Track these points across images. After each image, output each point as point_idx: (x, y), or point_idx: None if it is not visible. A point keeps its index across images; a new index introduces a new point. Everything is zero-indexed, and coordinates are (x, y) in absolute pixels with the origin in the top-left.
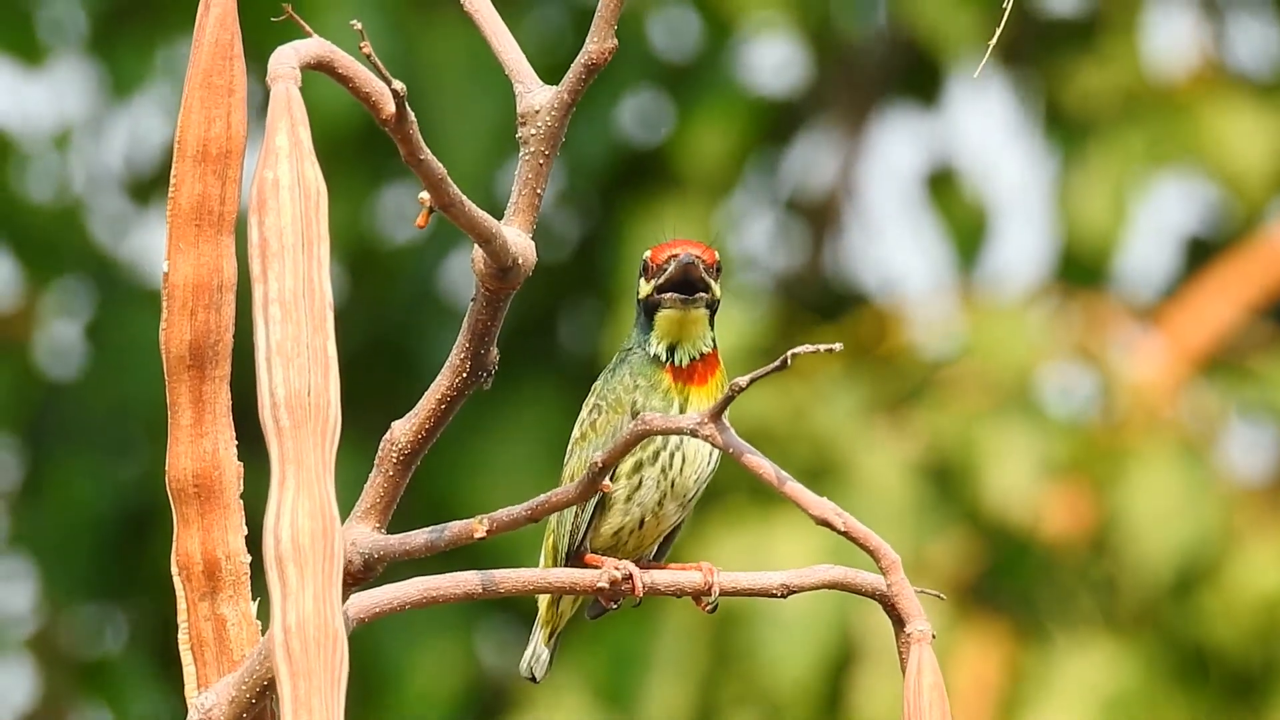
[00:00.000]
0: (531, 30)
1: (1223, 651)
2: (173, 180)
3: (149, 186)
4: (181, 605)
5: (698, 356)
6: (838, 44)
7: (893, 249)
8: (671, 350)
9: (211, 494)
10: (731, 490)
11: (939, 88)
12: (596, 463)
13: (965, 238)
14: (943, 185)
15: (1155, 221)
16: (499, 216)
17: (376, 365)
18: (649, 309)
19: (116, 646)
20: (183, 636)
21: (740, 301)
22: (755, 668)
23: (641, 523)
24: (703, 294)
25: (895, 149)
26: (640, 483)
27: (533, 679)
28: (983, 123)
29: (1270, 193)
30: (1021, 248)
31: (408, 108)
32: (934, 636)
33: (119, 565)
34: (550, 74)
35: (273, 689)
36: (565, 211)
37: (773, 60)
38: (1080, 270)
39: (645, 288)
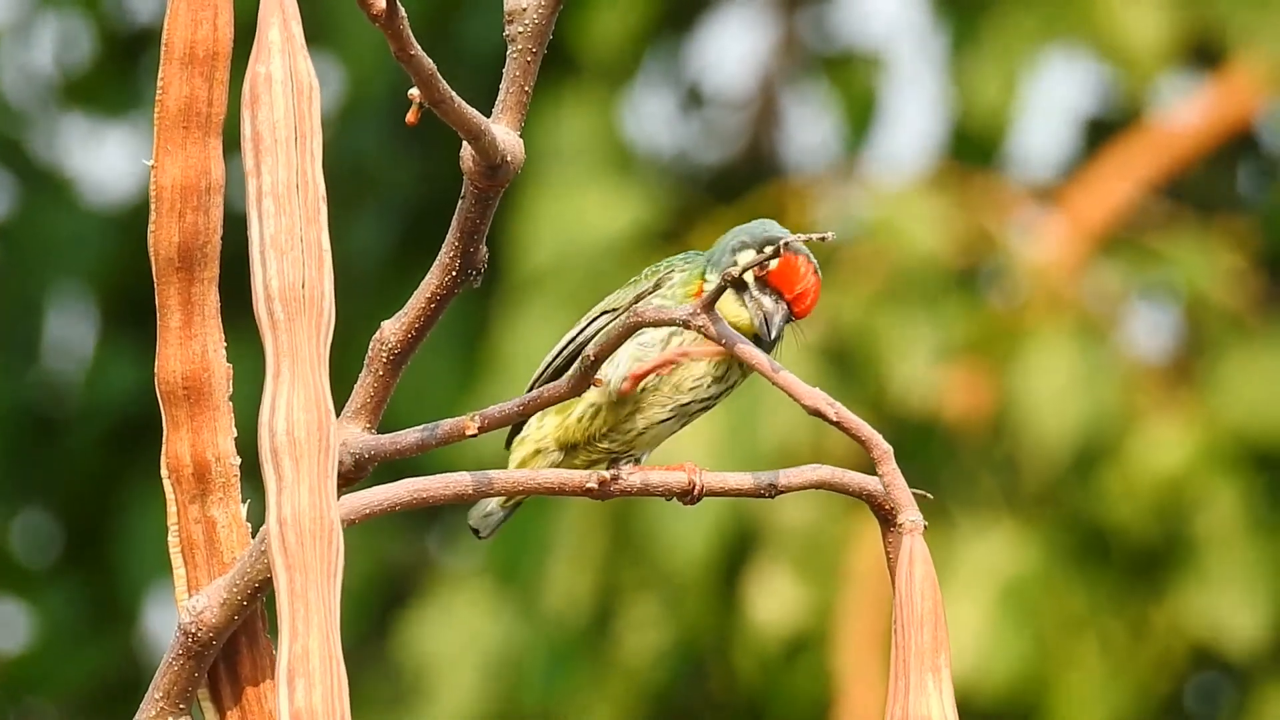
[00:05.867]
0: None
1: (1124, 531)
2: (160, 83)
3: (75, 88)
4: (171, 509)
5: None
6: None
7: (791, 131)
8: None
9: (201, 396)
10: None
11: None
12: (588, 356)
13: (857, 117)
14: (838, 64)
15: (1051, 101)
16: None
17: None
18: (735, 284)
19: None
20: (173, 540)
21: (638, 186)
22: (654, 552)
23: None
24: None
25: (797, 28)
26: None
27: (476, 534)
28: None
29: (1162, 69)
30: (915, 128)
31: (398, 3)
32: (925, 527)
33: (26, 467)
34: None
35: (264, 590)
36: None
37: None
38: (975, 150)
39: (749, 276)
